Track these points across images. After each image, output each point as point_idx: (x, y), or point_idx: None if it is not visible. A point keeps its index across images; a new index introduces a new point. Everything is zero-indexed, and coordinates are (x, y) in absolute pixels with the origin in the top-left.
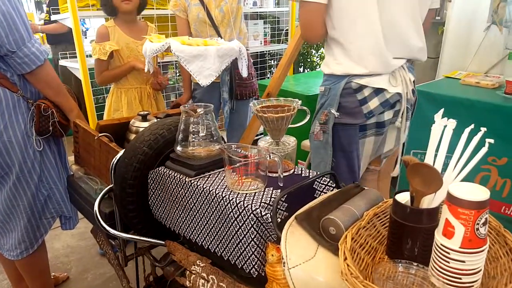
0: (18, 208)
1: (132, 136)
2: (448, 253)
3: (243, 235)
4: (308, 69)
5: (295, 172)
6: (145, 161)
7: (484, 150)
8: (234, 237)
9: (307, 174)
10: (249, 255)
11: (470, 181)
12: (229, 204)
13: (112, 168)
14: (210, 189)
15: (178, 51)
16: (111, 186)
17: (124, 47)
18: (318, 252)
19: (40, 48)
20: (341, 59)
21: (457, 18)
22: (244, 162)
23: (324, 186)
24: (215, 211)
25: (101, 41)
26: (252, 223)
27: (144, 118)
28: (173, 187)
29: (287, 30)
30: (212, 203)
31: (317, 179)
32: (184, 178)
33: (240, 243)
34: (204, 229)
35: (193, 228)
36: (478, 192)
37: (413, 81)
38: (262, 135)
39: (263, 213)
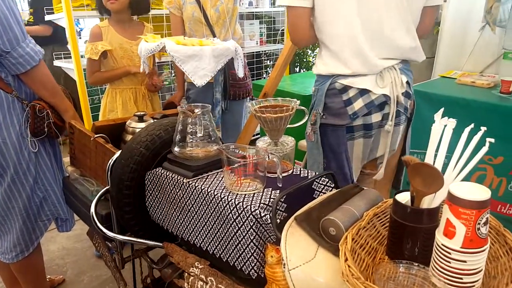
0: (13, 211)
1: (129, 137)
2: (449, 253)
3: (242, 236)
4: (304, 69)
5: (294, 173)
6: (142, 162)
7: (484, 149)
8: (233, 238)
9: (306, 175)
10: (248, 256)
11: (467, 180)
12: (228, 205)
13: (108, 169)
14: (209, 190)
15: (173, 51)
16: (107, 187)
17: (118, 47)
18: (318, 253)
19: (34, 48)
20: (326, 59)
21: (452, 18)
22: (242, 162)
23: (323, 186)
24: (214, 212)
25: (94, 41)
26: (251, 224)
27: (141, 118)
28: (171, 188)
29: (283, 30)
30: (211, 204)
31: (315, 179)
32: (182, 179)
33: (239, 244)
34: (202, 230)
35: (191, 229)
36: (479, 192)
37: (407, 83)
38: (259, 136)
39: (262, 214)
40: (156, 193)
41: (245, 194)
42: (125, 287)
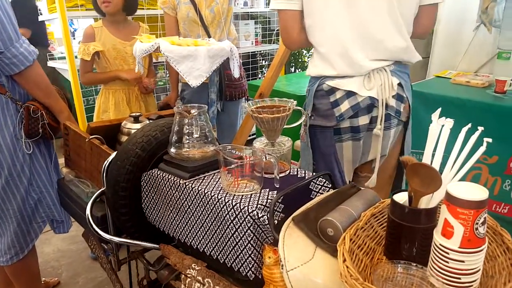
0: (8, 213)
1: (124, 138)
2: (448, 253)
3: (239, 238)
4: (300, 69)
5: (291, 173)
6: (138, 163)
7: (482, 149)
8: (230, 239)
9: (303, 175)
10: (246, 257)
11: (462, 179)
12: (225, 206)
13: (104, 170)
14: (205, 191)
15: (167, 51)
16: (103, 189)
17: (110, 48)
18: (316, 253)
19: (28, 48)
20: (317, 61)
21: (447, 17)
22: (240, 163)
23: (320, 186)
24: (211, 213)
25: (87, 42)
26: (248, 225)
27: (136, 119)
28: (167, 190)
29: (278, 30)
30: (208, 205)
31: (313, 180)
32: (179, 180)
33: (237, 246)
34: (199, 231)
35: (188, 231)
36: (477, 192)
37: (400, 85)
38: (255, 136)
39: (259, 215)
40: (152, 195)
41: (242, 195)
42: None
